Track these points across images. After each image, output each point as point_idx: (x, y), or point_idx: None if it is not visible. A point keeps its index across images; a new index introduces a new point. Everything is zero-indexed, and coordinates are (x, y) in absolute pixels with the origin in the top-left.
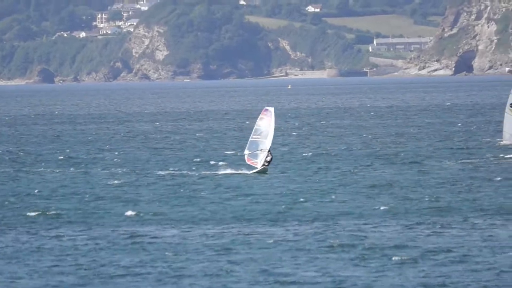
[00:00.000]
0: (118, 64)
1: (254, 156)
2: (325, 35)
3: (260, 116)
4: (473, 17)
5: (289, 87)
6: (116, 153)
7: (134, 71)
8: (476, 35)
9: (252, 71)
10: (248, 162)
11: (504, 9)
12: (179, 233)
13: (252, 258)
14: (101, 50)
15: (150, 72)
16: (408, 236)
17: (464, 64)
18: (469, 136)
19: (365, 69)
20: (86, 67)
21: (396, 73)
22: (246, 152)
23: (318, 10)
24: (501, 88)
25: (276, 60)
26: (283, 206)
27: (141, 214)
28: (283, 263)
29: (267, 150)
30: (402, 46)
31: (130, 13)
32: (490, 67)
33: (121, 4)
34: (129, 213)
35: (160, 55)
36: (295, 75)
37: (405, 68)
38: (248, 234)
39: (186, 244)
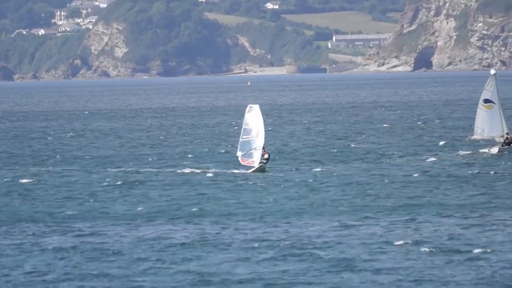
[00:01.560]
0: (77, 61)
1: (248, 156)
2: (284, 31)
3: (246, 115)
4: (432, 13)
5: (249, 84)
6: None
7: (93, 68)
8: (435, 31)
9: (211, 68)
10: (244, 163)
11: (463, 5)
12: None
13: (168, 256)
14: (60, 47)
15: (109, 69)
16: (332, 234)
17: (423, 60)
18: (438, 131)
19: (324, 66)
20: (45, 64)
21: (355, 70)
22: (239, 153)
23: (277, 7)
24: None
25: (235, 56)
26: (192, 205)
27: (47, 213)
28: (205, 262)
29: (261, 148)
30: (361, 43)
31: (89, 10)
32: (449, 63)
33: (80, 2)
34: (32, 211)
35: (119, 52)
36: (254, 72)
37: (364, 65)
38: (166, 233)
39: (102, 243)
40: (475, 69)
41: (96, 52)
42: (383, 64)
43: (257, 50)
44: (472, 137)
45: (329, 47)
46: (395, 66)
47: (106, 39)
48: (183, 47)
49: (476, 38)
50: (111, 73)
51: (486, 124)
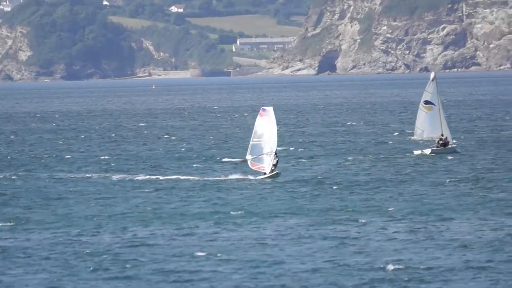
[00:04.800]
0: None
1: (258, 160)
2: (188, 35)
3: (258, 117)
4: (336, 16)
5: (154, 87)
6: None
7: None
8: (340, 34)
9: (116, 71)
10: (253, 168)
11: (367, 9)
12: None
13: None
14: None
15: (13, 72)
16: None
17: (327, 64)
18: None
19: (228, 69)
20: None
21: (259, 73)
22: (249, 157)
23: (181, 10)
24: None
25: (139, 60)
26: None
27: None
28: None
29: (274, 153)
30: (266, 46)
31: None
32: (354, 67)
33: None
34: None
35: (23, 55)
36: (159, 75)
37: (269, 68)
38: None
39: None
40: (379, 73)
41: (0, 56)
42: (287, 68)
43: (162, 53)
44: (412, 138)
45: (234, 50)
46: (299, 70)
47: (10, 42)
48: (87, 51)
49: (380, 42)
50: (14, 76)
51: (426, 125)
